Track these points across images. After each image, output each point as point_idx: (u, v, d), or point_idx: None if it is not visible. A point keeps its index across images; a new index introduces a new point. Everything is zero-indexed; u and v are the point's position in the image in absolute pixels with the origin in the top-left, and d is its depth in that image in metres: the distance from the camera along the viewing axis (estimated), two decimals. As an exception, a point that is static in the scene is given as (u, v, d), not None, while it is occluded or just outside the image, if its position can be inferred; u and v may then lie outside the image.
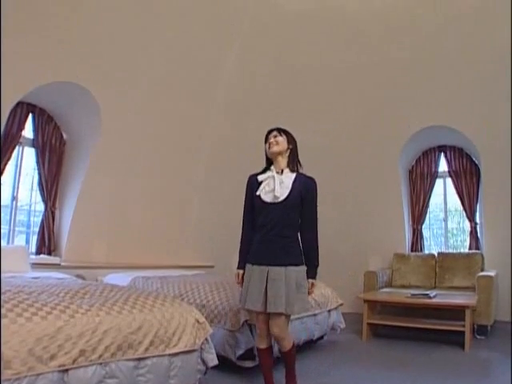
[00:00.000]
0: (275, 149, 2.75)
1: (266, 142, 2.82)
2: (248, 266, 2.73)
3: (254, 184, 2.80)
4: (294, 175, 2.74)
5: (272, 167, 2.79)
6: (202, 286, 3.89)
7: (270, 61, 6.08)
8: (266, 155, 2.85)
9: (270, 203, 2.67)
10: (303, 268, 2.68)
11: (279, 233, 2.64)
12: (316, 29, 5.80)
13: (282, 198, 2.65)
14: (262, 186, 2.73)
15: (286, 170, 2.75)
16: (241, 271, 2.82)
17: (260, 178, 2.77)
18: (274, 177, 2.71)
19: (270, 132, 2.83)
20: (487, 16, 5.26)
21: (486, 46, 5.47)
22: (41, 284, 2.94)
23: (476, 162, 6.54)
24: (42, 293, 2.52)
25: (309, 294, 2.71)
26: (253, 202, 2.78)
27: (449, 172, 6.77)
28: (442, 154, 6.87)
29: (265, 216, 2.68)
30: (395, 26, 5.66)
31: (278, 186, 2.66)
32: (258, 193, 2.72)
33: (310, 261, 2.72)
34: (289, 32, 5.84)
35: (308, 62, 6.08)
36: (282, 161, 2.77)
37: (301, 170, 2.83)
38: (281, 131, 2.81)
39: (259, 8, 5.60)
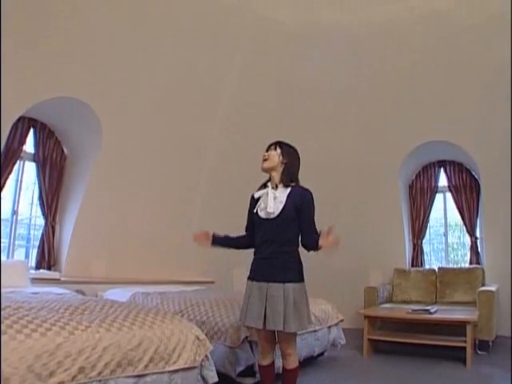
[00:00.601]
0: (264, 165, 2.75)
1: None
2: (249, 282, 2.72)
3: (253, 201, 2.81)
4: (288, 189, 2.71)
5: (268, 184, 2.79)
6: (202, 302, 3.87)
7: (270, 76, 6.12)
8: None
9: (266, 219, 2.67)
10: (302, 285, 2.66)
11: (277, 249, 2.63)
12: (315, 45, 5.85)
13: (276, 213, 2.64)
14: (259, 202, 2.73)
15: (280, 185, 2.74)
16: (210, 233, 2.84)
17: (256, 194, 2.78)
18: (267, 193, 2.71)
19: (269, 146, 2.82)
20: (487, 32, 5.30)
21: (486, 61, 5.52)
22: (40, 299, 2.93)
23: (476, 176, 6.56)
24: (41, 309, 2.51)
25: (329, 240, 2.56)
26: (252, 219, 2.79)
27: (449, 187, 6.78)
28: (442, 168, 6.90)
29: (262, 233, 2.68)
30: (394, 42, 5.71)
31: (271, 201, 2.65)
32: (255, 210, 2.73)
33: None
34: (289, 48, 5.88)
35: (308, 78, 6.12)
36: (276, 176, 2.75)
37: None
38: (278, 145, 2.78)
39: (259, 25, 5.65)
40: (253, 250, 2.83)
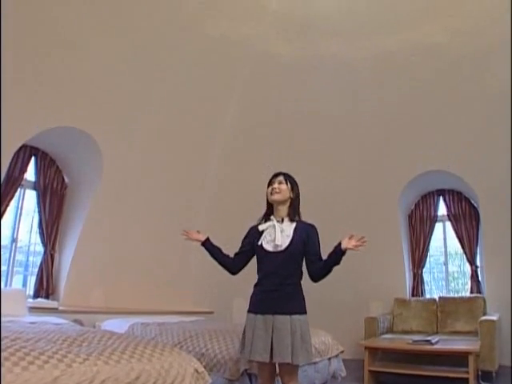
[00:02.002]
0: (277, 197, 2.75)
1: (269, 185, 2.81)
2: (251, 315, 2.69)
3: (254, 233, 2.80)
4: (294, 224, 2.74)
5: (272, 216, 2.80)
6: (202, 333, 3.83)
7: (269, 106, 6.21)
8: (267, 201, 2.85)
9: (272, 252, 2.67)
10: (306, 316, 2.66)
11: (282, 281, 2.63)
12: (314, 76, 5.94)
13: (283, 246, 2.66)
14: (264, 235, 2.73)
15: (286, 219, 2.76)
16: (201, 237, 2.87)
17: (261, 227, 2.77)
18: (274, 226, 2.72)
19: (275, 175, 2.83)
20: (483, 62, 5.40)
21: (483, 91, 5.59)
22: (38, 330, 2.90)
23: (475, 205, 6.57)
24: (39, 340, 2.48)
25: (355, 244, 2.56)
26: (248, 247, 2.78)
27: (448, 215, 6.79)
28: (441, 197, 6.92)
29: (267, 265, 2.68)
30: (392, 73, 5.80)
31: (278, 234, 2.66)
32: (259, 242, 2.72)
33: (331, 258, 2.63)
34: (287, 79, 5.97)
35: (306, 108, 6.20)
36: (283, 209, 2.78)
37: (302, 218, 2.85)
38: (286, 178, 2.80)
39: (258, 58, 5.74)
40: (234, 274, 2.87)
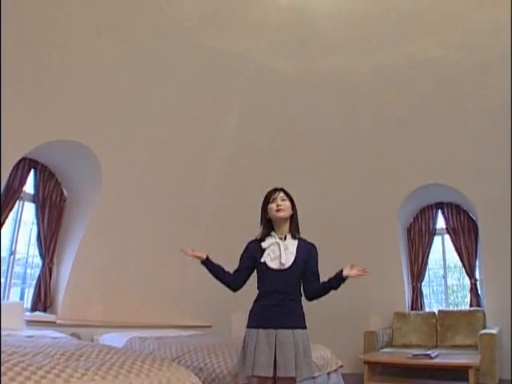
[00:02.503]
0: (282, 214, 2.72)
1: (270, 201, 2.77)
2: (252, 330, 2.66)
3: (255, 249, 2.77)
4: (296, 241, 2.74)
5: (273, 233, 2.79)
6: (200, 348, 3.80)
7: (268, 122, 6.23)
8: (266, 215, 2.80)
9: (276, 270, 2.67)
10: (307, 331, 2.66)
11: (285, 297, 2.63)
12: (313, 91, 5.98)
13: (287, 264, 2.66)
14: (267, 252, 2.71)
15: (289, 236, 2.75)
16: (203, 256, 2.80)
17: (264, 244, 2.76)
18: (278, 243, 2.72)
19: (275, 191, 2.81)
20: (481, 75, 5.44)
21: (482, 104, 5.64)
22: (35, 344, 2.88)
23: (474, 218, 6.57)
24: (36, 354, 2.47)
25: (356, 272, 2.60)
26: (248, 264, 2.77)
27: (447, 229, 6.79)
28: (440, 210, 6.92)
29: (270, 282, 2.67)
30: (391, 87, 5.84)
31: (283, 252, 2.66)
32: (262, 260, 2.71)
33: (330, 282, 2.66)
34: (287, 95, 6.01)
35: (306, 124, 6.24)
36: (285, 226, 2.76)
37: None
38: (288, 194, 2.80)
39: (258, 72, 5.78)
40: (235, 291, 2.82)
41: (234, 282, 2.82)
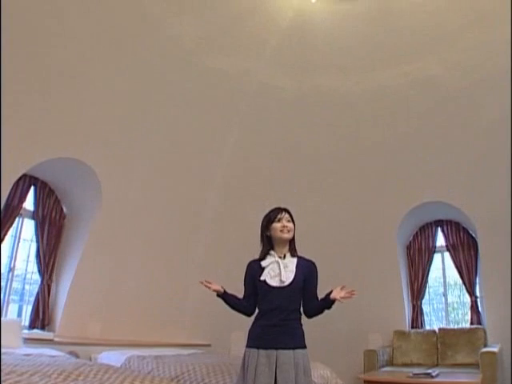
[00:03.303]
0: (287, 236, 2.75)
1: (274, 220, 2.78)
2: (252, 351, 2.65)
3: (256, 269, 2.77)
4: (295, 259, 2.76)
5: (272, 252, 2.80)
6: (199, 367, 3.77)
7: (268, 140, 6.27)
8: (266, 235, 2.81)
9: (277, 287, 2.67)
10: (307, 351, 2.65)
11: (286, 316, 2.63)
12: (313, 111, 6.02)
13: (287, 282, 2.66)
14: (267, 271, 2.72)
15: (288, 255, 2.77)
16: (221, 290, 2.76)
17: (263, 263, 2.77)
18: (278, 262, 2.72)
19: (280, 210, 2.81)
20: (479, 94, 5.48)
21: (482, 122, 5.66)
22: (33, 363, 2.86)
23: (473, 235, 6.57)
24: (34, 374, 2.45)
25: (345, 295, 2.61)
26: (254, 286, 2.77)
27: (446, 246, 6.78)
28: (439, 228, 6.92)
29: (270, 301, 2.66)
30: (390, 106, 5.88)
31: (283, 270, 2.68)
32: (262, 278, 2.71)
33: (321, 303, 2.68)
34: (287, 113, 6.05)
35: (306, 142, 6.27)
36: (285, 246, 2.78)
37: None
38: (291, 215, 2.81)
39: (259, 91, 5.83)
40: (250, 315, 2.81)
41: (247, 308, 2.81)
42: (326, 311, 2.70)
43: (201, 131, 5.91)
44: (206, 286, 2.76)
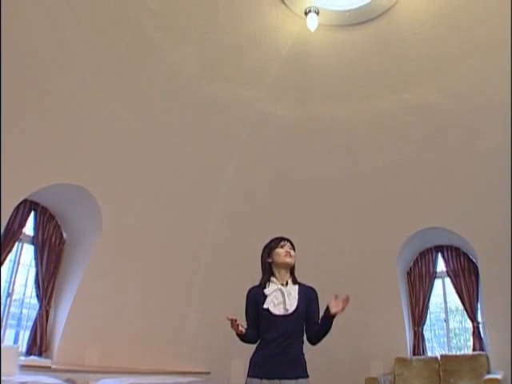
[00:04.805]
0: (290, 260, 2.75)
1: (276, 246, 2.78)
2: (255, 380, 2.62)
3: (258, 297, 2.74)
4: (297, 286, 2.75)
5: (274, 279, 2.78)
6: (198, 396, 3.73)
7: (268, 169, 6.32)
8: (267, 261, 2.79)
9: (281, 316, 2.65)
10: (308, 380, 2.62)
11: (290, 345, 2.60)
12: (312, 137, 6.07)
13: (291, 309, 2.65)
14: (270, 299, 2.69)
15: (290, 282, 2.76)
16: (243, 331, 2.65)
17: (266, 291, 2.75)
18: (281, 289, 2.71)
19: (282, 239, 2.82)
20: (475, 120, 5.54)
21: (480, 148, 5.70)
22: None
23: (474, 260, 6.55)
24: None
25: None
26: (257, 314, 2.74)
27: (447, 271, 6.74)
28: (440, 253, 6.90)
29: (274, 329, 2.64)
30: (388, 132, 5.93)
31: (287, 298, 2.66)
32: (265, 306, 2.69)
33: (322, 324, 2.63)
34: (286, 141, 6.11)
35: (305, 170, 6.31)
36: (287, 273, 2.77)
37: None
38: (292, 244, 2.82)
39: (258, 119, 5.89)
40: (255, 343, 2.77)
41: (254, 337, 2.76)
42: (328, 337, 2.67)
43: (200, 158, 5.96)
44: (233, 325, 2.61)
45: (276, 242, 2.81)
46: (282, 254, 2.75)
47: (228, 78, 5.43)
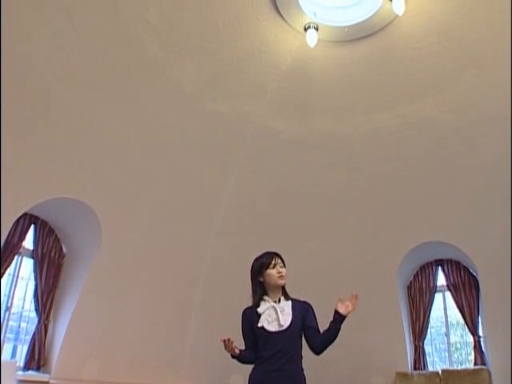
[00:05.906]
0: (283, 282, 2.75)
1: (268, 266, 2.74)
2: None
3: (252, 317, 2.74)
4: (290, 302, 2.74)
5: (266, 297, 2.77)
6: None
7: (267, 184, 6.33)
8: (259, 280, 2.77)
9: (276, 332, 2.64)
10: None
11: (288, 361, 2.59)
12: (311, 153, 6.10)
13: (286, 325, 2.64)
14: (263, 317, 2.69)
15: (282, 298, 2.75)
16: (238, 352, 2.65)
17: (260, 310, 2.74)
18: (273, 306, 2.70)
19: (272, 255, 2.79)
20: (473, 134, 5.57)
21: (478, 161, 5.72)
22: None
23: (474, 274, 6.53)
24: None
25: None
26: (254, 335, 2.73)
27: (447, 285, 6.72)
28: (440, 267, 6.88)
29: (271, 346, 2.63)
30: (387, 147, 5.95)
31: (280, 314, 2.66)
32: (260, 325, 2.69)
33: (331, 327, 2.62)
34: (285, 155, 6.13)
35: (305, 185, 6.32)
36: (279, 291, 2.77)
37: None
38: (283, 261, 2.80)
39: (258, 134, 5.92)
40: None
41: (252, 357, 2.74)
42: (328, 351, 2.65)
43: (201, 172, 5.98)
44: (228, 346, 2.61)
45: (267, 259, 2.77)
46: (274, 275, 2.72)
47: (228, 93, 5.46)
